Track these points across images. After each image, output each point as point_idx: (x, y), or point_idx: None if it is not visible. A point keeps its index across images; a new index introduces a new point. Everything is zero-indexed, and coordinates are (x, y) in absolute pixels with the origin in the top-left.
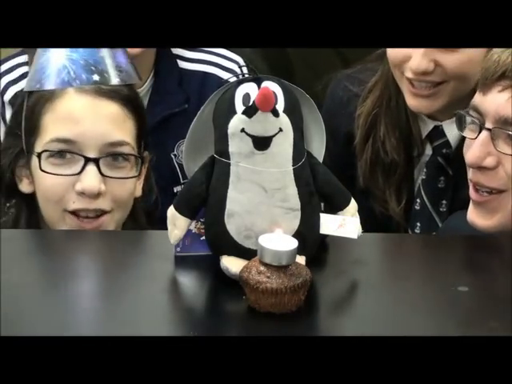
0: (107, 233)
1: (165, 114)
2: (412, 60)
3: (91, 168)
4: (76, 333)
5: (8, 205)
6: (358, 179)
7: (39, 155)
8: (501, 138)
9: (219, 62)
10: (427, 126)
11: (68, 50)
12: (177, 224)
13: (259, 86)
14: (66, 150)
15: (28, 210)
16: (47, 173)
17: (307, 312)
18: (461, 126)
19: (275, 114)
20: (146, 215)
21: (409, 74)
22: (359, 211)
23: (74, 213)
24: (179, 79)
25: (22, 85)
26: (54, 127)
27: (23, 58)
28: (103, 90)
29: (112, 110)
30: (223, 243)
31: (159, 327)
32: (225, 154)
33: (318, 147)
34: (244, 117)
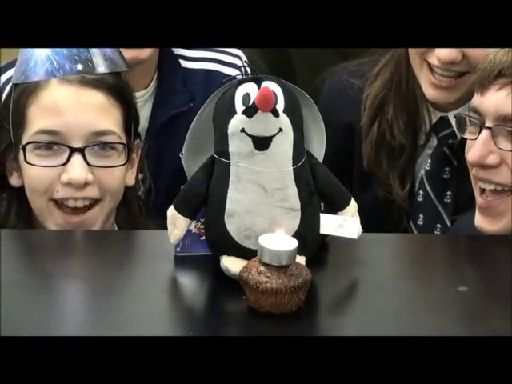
0: (107, 233)
1: (171, 114)
2: (442, 49)
3: (77, 158)
4: (76, 333)
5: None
6: (361, 161)
7: (24, 147)
8: (501, 135)
9: (221, 58)
10: (433, 117)
11: None
12: (177, 224)
13: (259, 86)
14: (51, 142)
15: (18, 204)
16: (32, 165)
17: (307, 312)
18: (461, 128)
19: (275, 114)
20: (139, 204)
21: (434, 61)
22: (362, 196)
23: (61, 204)
24: (183, 79)
25: None
26: (38, 119)
27: None
28: (87, 80)
29: (96, 99)
30: (223, 243)
31: (159, 327)
32: (225, 154)
33: (317, 147)
34: (244, 117)
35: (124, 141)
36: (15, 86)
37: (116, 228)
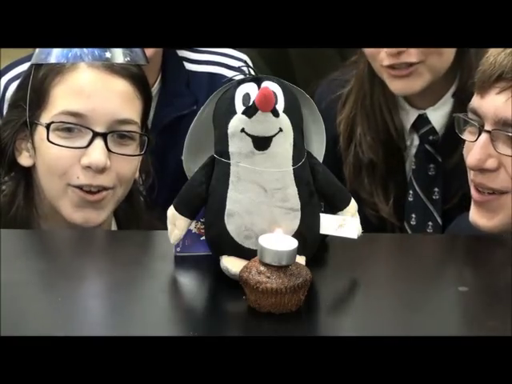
0: (107, 233)
1: (174, 117)
2: None
3: (99, 142)
4: (76, 333)
5: (6, 178)
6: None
7: (48, 126)
8: (501, 139)
9: (225, 61)
10: (411, 117)
11: None
12: (177, 224)
13: (259, 86)
14: (74, 123)
15: (26, 184)
16: (55, 144)
17: (307, 312)
18: (460, 128)
19: (275, 114)
20: (140, 197)
21: (386, 62)
22: None
23: (78, 186)
24: (187, 81)
25: None
26: (63, 100)
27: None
28: (114, 67)
29: (122, 87)
30: (223, 243)
31: (159, 327)
32: (225, 154)
33: (318, 147)
34: (244, 117)
35: (142, 131)
36: (36, 66)
37: (114, 221)
